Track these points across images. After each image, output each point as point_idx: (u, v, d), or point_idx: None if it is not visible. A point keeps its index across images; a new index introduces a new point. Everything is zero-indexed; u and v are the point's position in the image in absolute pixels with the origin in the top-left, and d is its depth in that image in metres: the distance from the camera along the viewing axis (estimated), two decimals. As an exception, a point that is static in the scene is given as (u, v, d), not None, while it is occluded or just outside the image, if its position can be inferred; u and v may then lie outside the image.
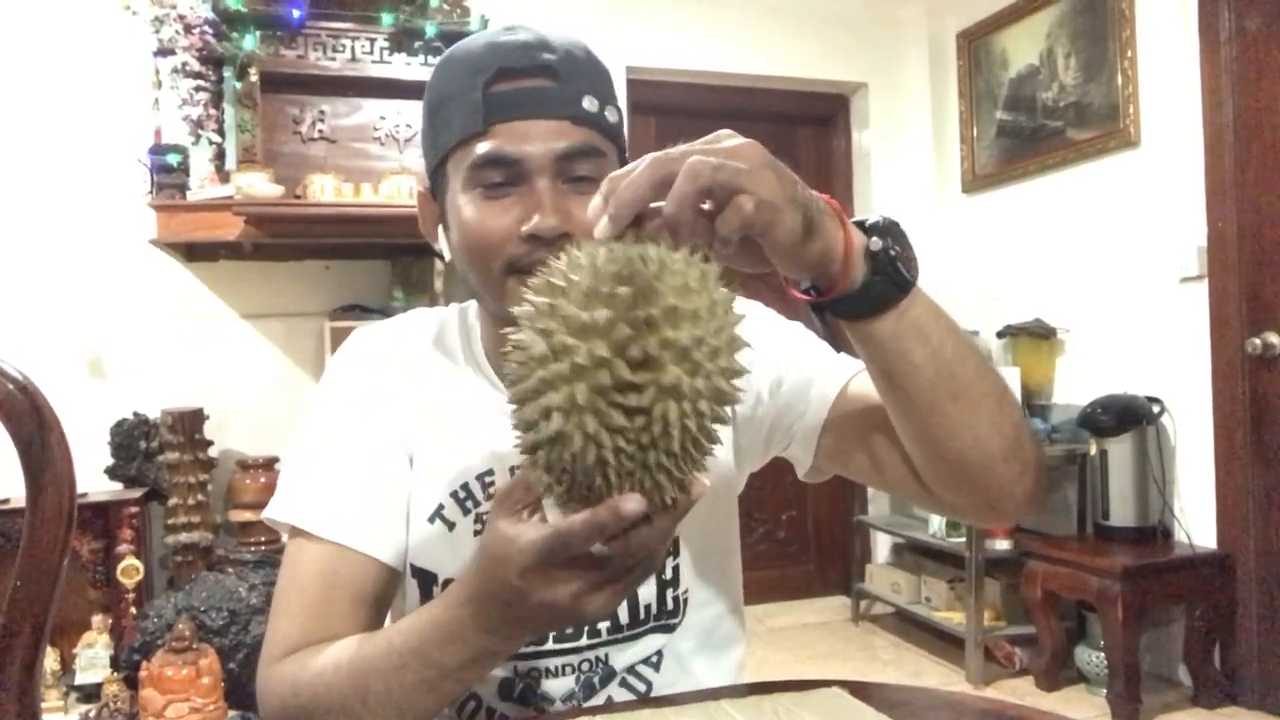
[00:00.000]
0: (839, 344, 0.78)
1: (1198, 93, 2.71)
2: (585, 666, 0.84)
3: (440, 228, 0.84)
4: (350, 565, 0.78)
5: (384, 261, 3.15)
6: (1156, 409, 2.76)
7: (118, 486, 2.78)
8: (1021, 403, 3.11)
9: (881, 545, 3.83)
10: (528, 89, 0.75)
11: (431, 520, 0.83)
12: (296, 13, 2.89)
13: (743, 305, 0.87)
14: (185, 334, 3.02)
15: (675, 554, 0.87)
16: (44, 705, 2.39)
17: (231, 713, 2.24)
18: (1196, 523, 2.71)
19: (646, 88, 3.56)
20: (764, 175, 0.57)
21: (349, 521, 0.79)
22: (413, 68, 3.02)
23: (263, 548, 2.70)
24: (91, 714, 2.38)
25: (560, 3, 3.17)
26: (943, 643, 3.22)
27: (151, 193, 2.74)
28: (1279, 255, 2.55)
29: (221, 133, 2.90)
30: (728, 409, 0.53)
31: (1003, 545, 2.94)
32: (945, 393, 0.69)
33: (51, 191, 2.89)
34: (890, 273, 0.65)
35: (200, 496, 2.74)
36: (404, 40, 3.02)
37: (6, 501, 2.47)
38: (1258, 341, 2.55)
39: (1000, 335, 3.31)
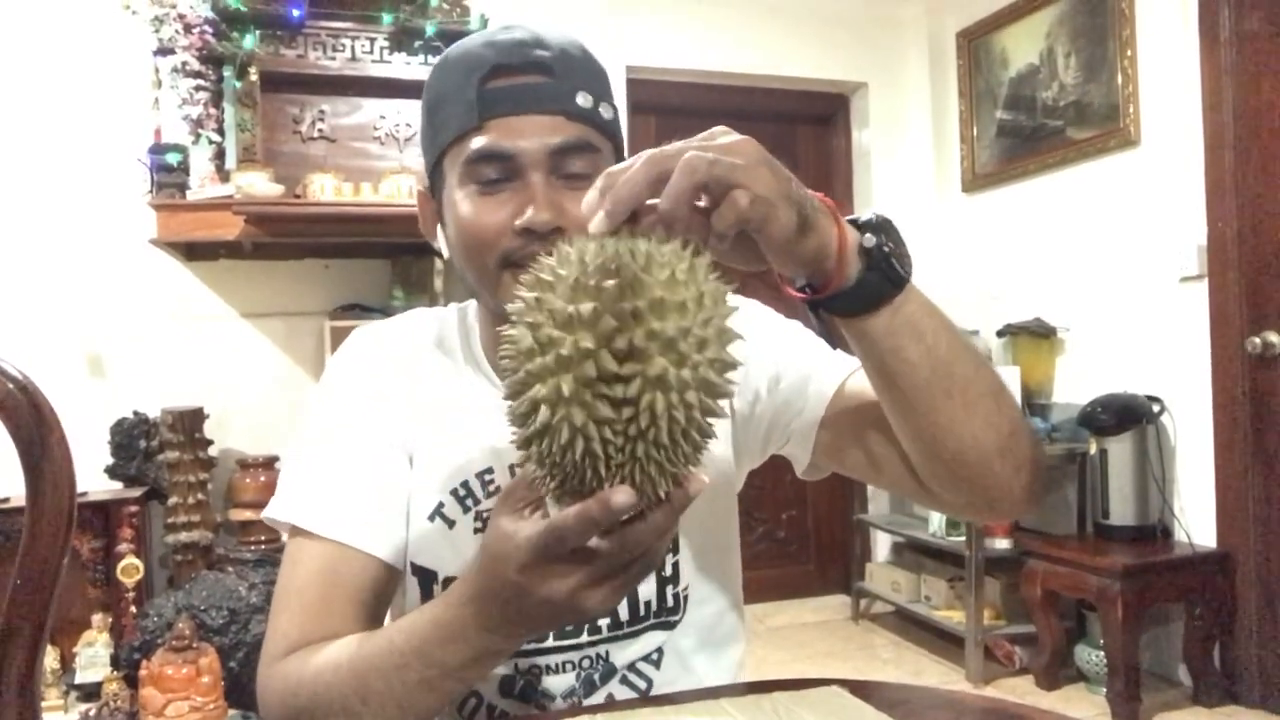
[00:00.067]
0: (835, 342, 0.78)
1: (1198, 92, 2.71)
2: (586, 663, 0.84)
3: (439, 226, 0.85)
4: (350, 564, 0.78)
5: (384, 261, 3.15)
6: (1156, 408, 2.77)
7: (118, 485, 2.78)
8: (1021, 402, 3.13)
9: (881, 544, 3.84)
10: (521, 85, 0.76)
11: (431, 518, 0.83)
12: (296, 12, 2.89)
13: (741, 303, 0.88)
14: (185, 333, 3.02)
15: (675, 551, 0.87)
16: (44, 704, 2.39)
17: (231, 712, 2.24)
18: (1196, 522, 2.71)
19: (646, 87, 3.56)
20: (759, 171, 0.58)
21: (349, 520, 0.79)
22: (413, 67, 3.02)
23: (263, 547, 2.71)
24: (91, 713, 2.38)
25: (560, 2, 3.17)
26: (943, 642, 3.22)
27: (151, 192, 2.74)
28: (1279, 255, 2.55)
29: (221, 132, 2.90)
30: (721, 402, 0.53)
31: (1003, 544, 2.94)
32: (941, 389, 0.69)
33: (51, 191, 2.89)
34: (885, 268, 0.65)
35: (200, 495, 2.74)
36: (404, 39, 3.02)
37: (6, 500, 2.47)
38: (1258, 341, 2.55)
39: (1000, 334, 3.31)
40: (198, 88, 2.81)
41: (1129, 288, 2.95)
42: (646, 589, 0.85)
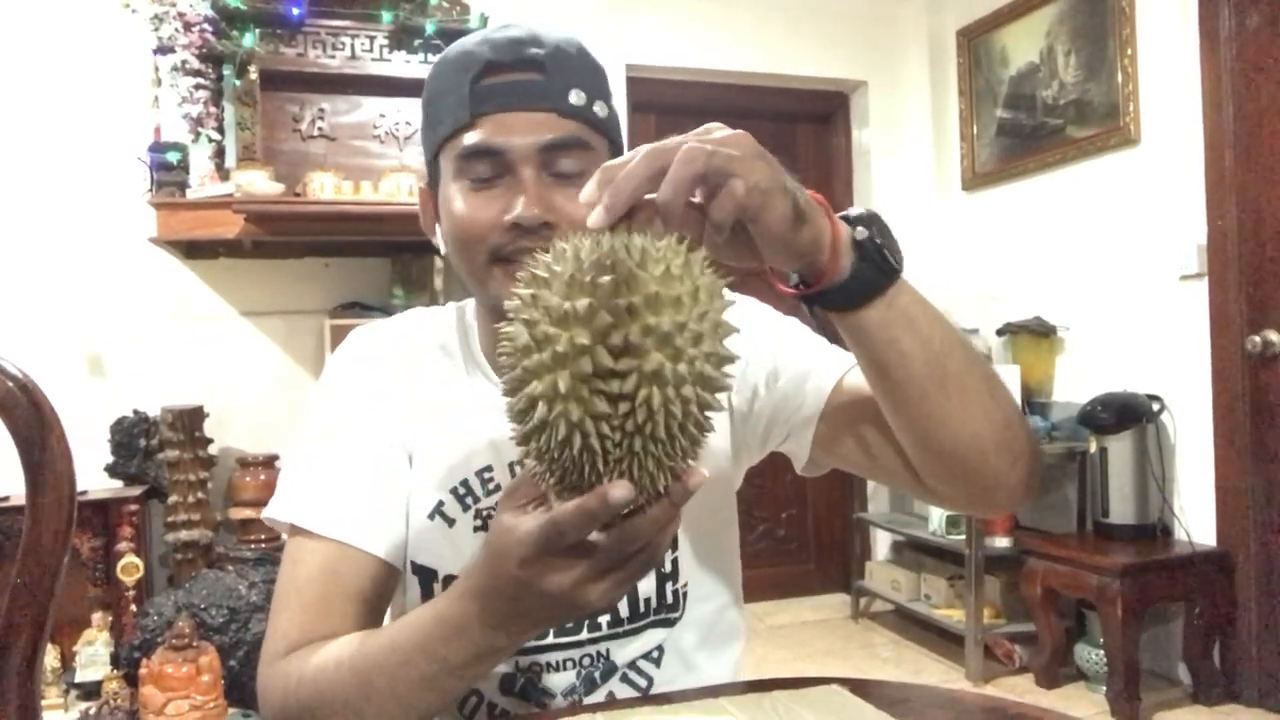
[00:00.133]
0: (830, 338, 0.78)
1: (1198, 91, 2.71)
2: (586, 661, 0.84)
3: (437, 222, 0.85)
4: (350, 563, 0.78)
5: (384, 259, 3.15)
6: (1156, 407, 2.77)
7: (118, 484, 2.78)
8: (1021, 401, 3.13)
9: (881, 543, 3.84)
10: (513, 82, 0.77)
11: (431, 517, 0.83)
12: (296, 10, 2.89)
13: (739, 300, 0.88)
14: (185, 332, 3.02)
15: (674, 548, 0.87)
16: (44, 703, 2.40)
17: (231, 710, 2.24)
18: (1196, 520, 2.71)
19: (647, 86, 3.56)
20: (756, 162, 0.58)
21: (349, 520, 0.79)
22: (412, 65, 3.02)
23: (263, 545, 2.71)
24: (91, 711, 2.39)
25: (560, 0, 3.17)
26: (942, 640, 3.22)
27: (151, 191, 2.74)
28: (1279, 253, 2.55)
29: (221, 130, 2.90)
30: (718, 395, 0.53)
31: (1002, 543, 2.94)
32: (935, 381, 0.69)
33: (51, 189, 2.89)
34: (877, 260, 0.66)
35: (200, 494, 2.74)
36: (404, 38, 3.02)
37: (7, 499, 2.47)
38: (1257, 339, 2.55)
39: (1000, 333, 3.31)
40: (197, 86, 2.81)
41: (1129, 286, 2.95)
42: (646, 586, 0.85)
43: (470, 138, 0.76)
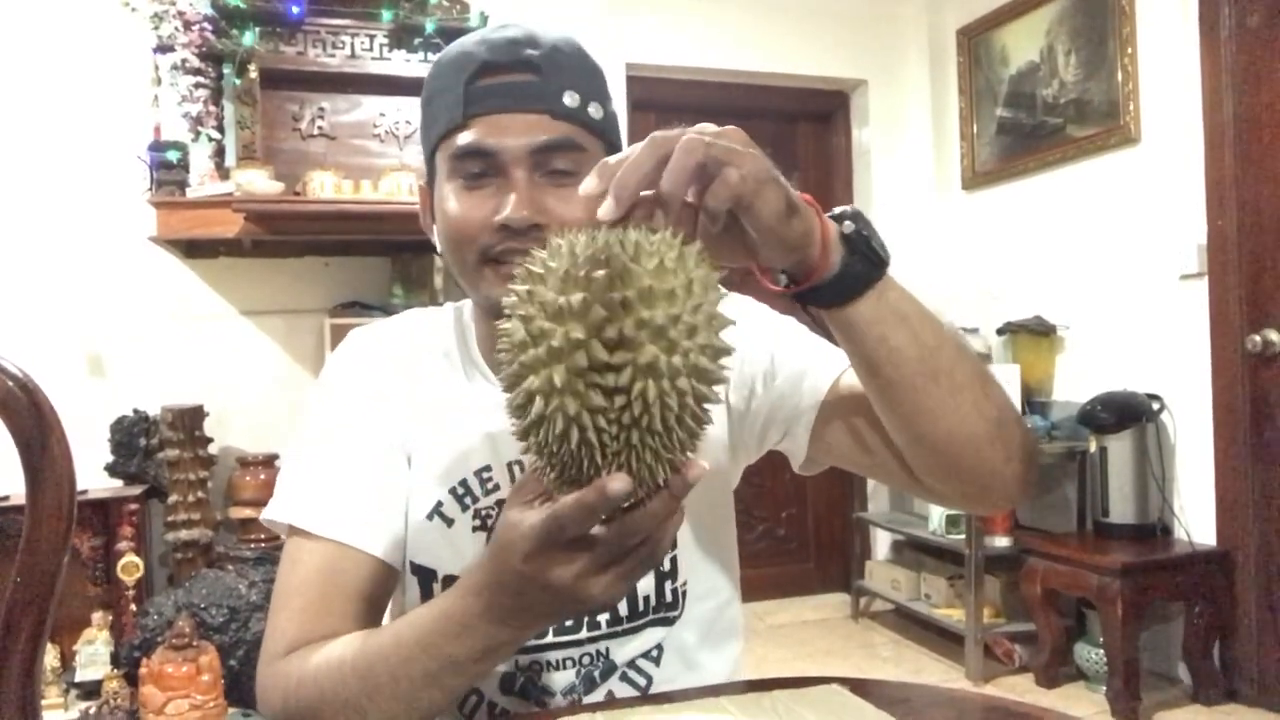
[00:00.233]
0: (822, 337, 0.79)
1: (1198, 90, 2.71)
2: (586, 660, 0.84)
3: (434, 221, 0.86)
4: (349, 563, 0.78)
5: (384, 258, 3.14)
6: (1156, 406, 2.77)
7: (118, 484, 2.78)
8: (1021, 400, 3.13)
9: (881, 542, 3.84)
10: (507, 83, 0.77)
11: (430, 517, 0.83)
12: (296, 9, 2.89)
13: (737, 299, 0.88)
14: (185, 331, 3.02)
15: (673, 546, 0.87)
16: (44, 702, 2.40)
17: (231, 710, 2.24)
18: (1196, 520, 2.71)
19: (647, 85, 3.55)
20: (750, 154, 0.59)
21: (348, 520, 0.79)
22: (412, 64, 3.01)
23: (262, 545, 2.70)
24: (91, 711, 2.39)
25: (560, 0, 3.17)
26: (942, 640, 3.22)
27: (151, 189, 2.74)
28: (1279, 253, 2.55)
29: (221, 129, 2.90)
30: (715, 388, 0.54)
31: (1002, 542, 2.94)
32: (927, 374, 0.70)
33: (51, 188, 2.89)
34: (866, 252, 0.67)
35: (200, 493, 2.74)
36: (403, 37, 3.02)
37: (6, 499, 2.47)
38: (1257, 339, 2.55)
39: (1000, 332, 3.31)
40: (197, 85, 2.81)
41: (1129, 286, 2.95)
42: (645, 585, 0.85)
43: (463, 138, 0.77)
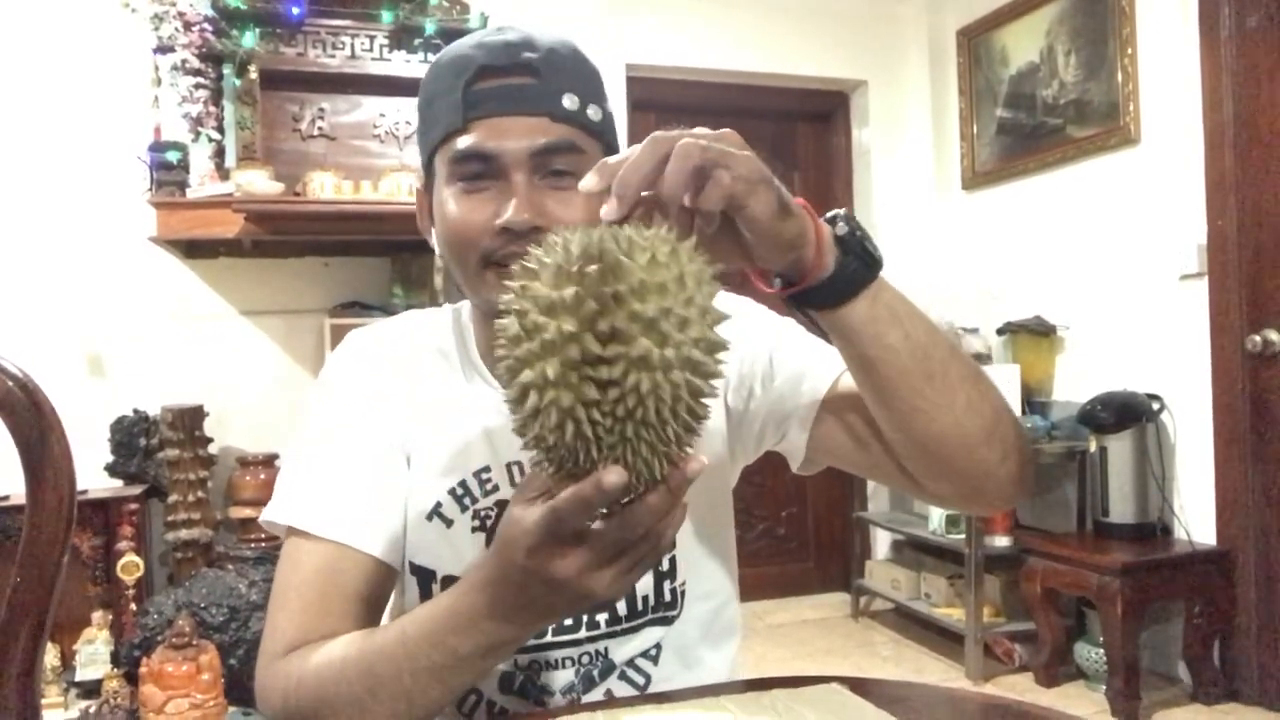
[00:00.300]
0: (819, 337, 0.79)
1: (1198, 90, 2.71)
2: (585, 659, 0.84)
3: (432, 223, 0.85)
4: (348, 563, 0.78)
5: (384, 258, 3.15)
6: (1156, 406, 2.77)
7: (118, 483, 2.78)
8: (1021, 400, 3.13)
9: (881, 542, 3.84)
10: (507, 86, 0.77)
11: (429, 518, 0.83)
12: (296, 10, 2.89)
13: (736, 300, 0.88)
14: (185, 331, 3.02)
15: (672, 545, 0.87)
16: (44, 701, 2.40)
17: (231, 709, 2.24)
18: (1196, 519, 2.71)
19: (647, 85, 3.56)
20: (744, 155, 0.60)
21: (347, 520, 0.79)
22: (412, 65, 3.02)
23: (262, 544, 2.71)
24: (92, 710, 2.39)
25: (560, 0, 3.17)
26: (942, 639, 3.22)
27: (151, 190, 2.74)
28: (1279, 253, 2.55)
29: (221, 130, 2.90)
30: (711, 382, 0.54)
31: (1002, 542, 2.94)
32: (922, 374, 0.70)
33: (51, 189, 2.89)
34: (860, 254, 0.68)
35: (200, 493, 2.74)
36: (403, 37, 3.02)
37: (7, 498, 2.48)
38: (1257, 339, 2.56)
39: (1000, 332, 3.31)
40: (197, 85, 2.81)
41: (1129, 286, 2.95)
42: (644, 584, 0.85)
43: (463, 142, 0.77)
